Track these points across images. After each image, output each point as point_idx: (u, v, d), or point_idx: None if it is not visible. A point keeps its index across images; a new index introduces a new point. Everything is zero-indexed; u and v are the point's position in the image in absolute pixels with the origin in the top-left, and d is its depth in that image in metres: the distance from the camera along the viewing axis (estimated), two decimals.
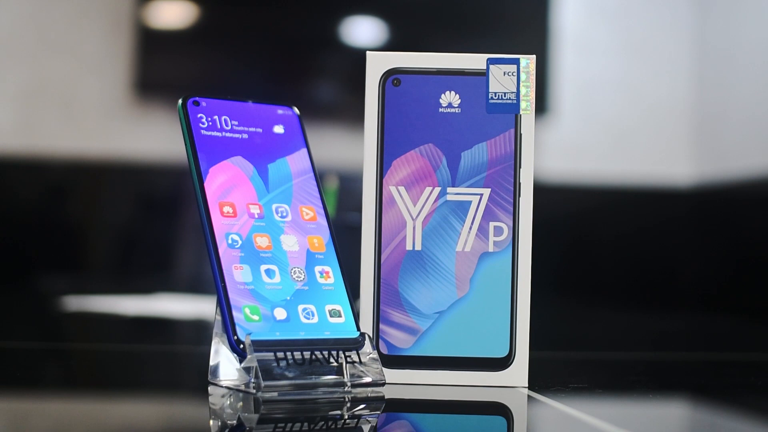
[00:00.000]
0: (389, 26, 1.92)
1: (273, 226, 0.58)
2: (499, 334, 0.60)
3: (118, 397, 0.59)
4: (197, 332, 1.02)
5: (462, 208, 0.60)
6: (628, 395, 0.63)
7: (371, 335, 0.59)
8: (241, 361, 0.54)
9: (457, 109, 0.61)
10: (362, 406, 0.54)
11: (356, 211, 0.63)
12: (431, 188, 0.61)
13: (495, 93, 0.61)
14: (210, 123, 0.59)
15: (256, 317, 0.54)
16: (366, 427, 0.50)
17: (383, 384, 0.56)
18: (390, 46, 1.88)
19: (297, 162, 0.61)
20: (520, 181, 0.60)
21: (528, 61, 0.61)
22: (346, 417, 0.51)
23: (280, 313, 0.55)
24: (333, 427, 0.49)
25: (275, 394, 0.52)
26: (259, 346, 0.53)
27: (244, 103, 0.61)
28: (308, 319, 0.56)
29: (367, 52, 0.62)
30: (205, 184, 0.57)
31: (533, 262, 0.60)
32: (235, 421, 0.50)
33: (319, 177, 0.62)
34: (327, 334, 0.55)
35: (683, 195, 2.01)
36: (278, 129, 0.61)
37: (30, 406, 0.54)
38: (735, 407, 0.60)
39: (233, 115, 0.60)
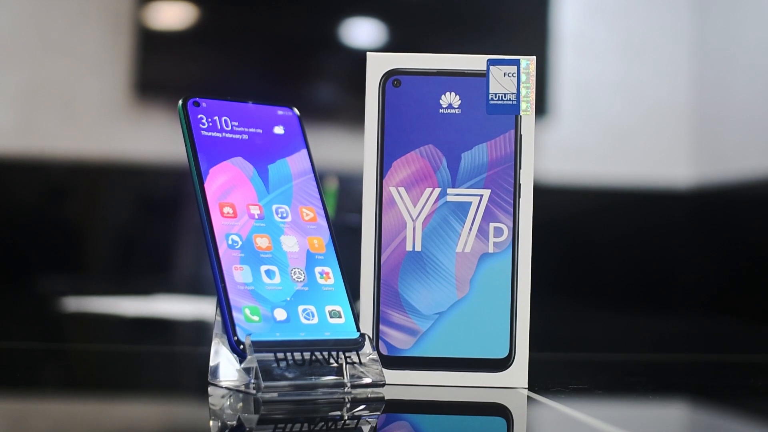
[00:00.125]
0: (389, 27, 1.92)
1: (273, 226, 0.58)
2: (498, 335, 0.60)
3: (118, 397, 0.59)
4: (197, 333, 1.02)
5: (462, 209, 0.60)
6: (628, 396, 0.63)
7: (371, 336, 0.59)
8: (241, 362, 0.54)
9: (457, 110, 0.61)
10: (362, 406, 0.54)
11: (356, 212, 0.63)
12: (431, 189, 0.61)
13: (495, 94, 0.61)
14: (210, 124, 0.59)
15: (256, 318, 0.54)
16: (366, 428, 0.50)
17: (383, 385, 0.56)
18: (390, 47, 1.88)
19: (297, 163, 0.61)
20: (520, 182, 0.60)
21: (528, 62, 0.61)
22: (346, 418, 0.51)
23: (280, 314, 0.55)
24: (333, 427, 0.49)
25: (275, 394, 0.52)
26: (259, 346, 0.53)
27: (245, 104, 0.61)
28: (308, 319, 0.56)
29: (368, 53, 0.62)
30: (206, 185, 0.57)
31: (533, 263, 0.60)
32: (235, 422, 0.50)
33: (319, 178, 0.62)
34: (327, 335, 0.55)
35: (683, 196, 2.01)
36: (278, 130, 0.61)
37: (30, 407, 0.54)
38: (735, 408, 0.60)
39: (233, 115, 0.60)
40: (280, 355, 0.53)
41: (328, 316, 0.57)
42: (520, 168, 0.61)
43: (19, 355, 0.73)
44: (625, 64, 2.03)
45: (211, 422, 0.51)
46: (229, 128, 0.59)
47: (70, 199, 1.85)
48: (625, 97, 2.02)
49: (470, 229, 0.60)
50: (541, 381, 0.62)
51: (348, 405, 0.53)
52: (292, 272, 0.57)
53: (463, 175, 0.61)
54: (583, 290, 1.97)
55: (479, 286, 0.60)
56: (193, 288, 1.63)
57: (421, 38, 1.93)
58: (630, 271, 2.00)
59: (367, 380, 0.55)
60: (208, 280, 0.59)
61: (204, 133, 0.58)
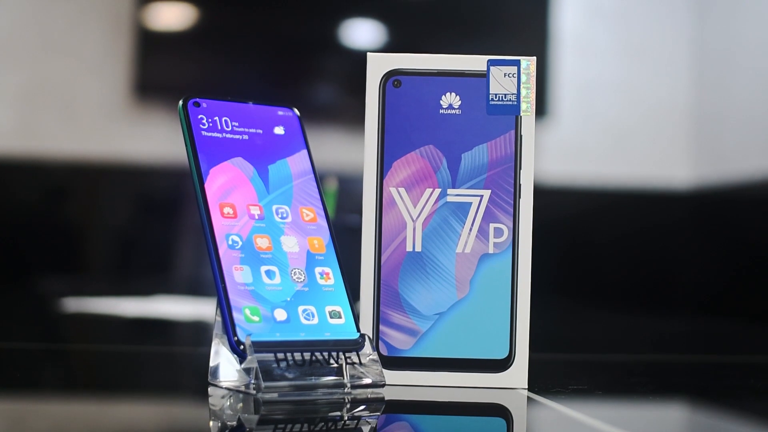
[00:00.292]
0: (389, 28, 1.92)
1: (273, 227, 0.58)
2: (498, 335, 0.60)
3: (118, 398, 0.59)
4: (196, 334, 1.02)
5: (462, 209, 0.60)
6: (628, 397, 0.63)
7: (371, 336, 0.59)
8: (241, 362, 0.54)
9: (457, 110, 0.61)
10: (362, 407, 0.54)
11: (356, 213, 0.63)
12: (431, 189, 0.61)
13: (495, 94, 0.61)
14: (210, 124, 0.59)
15: (256, 318, 0.54)
16: (366, 428, 0.50)
17: (383, 385, 0.56)
18: (390, 47, 1.88)
19: (297, 163, 0.61)
20: (521, 182, 0.60)
21: (529, 63, 0.61)
22: (346, 418, 0.51)
23: (281, 314, 0.55)
24: (333, 428, 0.49)
25: (275, 395, 0.52)
26: (260, 347, 0.53)
27: (245, 105, 0.61)
28: (308, 320, 0.56)
29: (368, 54, 0.62)
30: (206, 185, 0.57)
31: (533, 264, 0.60)
32: (235, 422, 0.50)
33: (319, 178, 0.62)
34: (327, 335, 0.55)
35: (682, 197, 2.01)
36: (278, 130, 0.61)
37: (29, 408, 0.54)
38: (735, 409, 0.60)
39: (234, 116, 0.60)
40: (281, 356, 0.53)
41: (328, 317, 0.57)
42: (520, 168, 0.61)
43: (19, 355, 0.73)
44: (625, 64, 2.03)
45: (211, 423, 0.51)
46: (230, 128, 0.59)
47: (70, 200, 1.85)
48: (625, 98, 2.02)
49: (470, 229, 0.60)
50: (541, 381, 0.62)
51: (348, 405, 0.53)
52: (293, 273, 0.57)
53: (464, 175, 0.61)
54: (582, 291, 1.97)
55: (479, 287, 0.60)
56: (193, 288, 1.63)
57: (421, 39, 1.93)
58: (630, 272, 2.01)
59: (367, 381, 0.55)
60: (207, 280, 0.59)
61: (204, 133, 0.58)
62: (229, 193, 0.57)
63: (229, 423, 0.50)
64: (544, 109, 1.89)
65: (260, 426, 0.49)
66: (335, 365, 0.54)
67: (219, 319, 0.56)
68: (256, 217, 0.58)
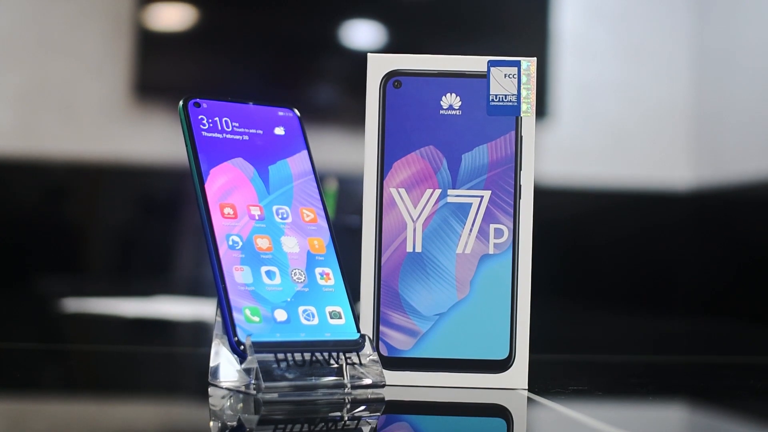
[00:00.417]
0: (389, 29, 1.92)
1: (273, 227, 0.58)
2: (499, 336, 0.60)
3: (118, 398, 0.59)
4: (197, 334, 1.02)
5: (462, 210, 0.60)
6: (628, 398, 0.63)
7: (371, 337, 0.59)
8: (241, 363, 0.54)
9: (457, 111, 0.61)
10: (362, 407, 0.54)
11: (356, 213, 0.63)
12: (432, 190, 0.61)
13: (496, 95, 0.61)
14: (211, 124, 0.59)
15: (256, 318, 0.54)
16: (366, 429, 0.50)
17: (383, 386, 0.56)
18: (390, 48, 1.88)
19: (297, 163, 0.61)
20: (521, 183, 0.60)
21: (529, 64, 0.61)
22: (346, 418, 0.51)
23: (281, 315, 0.55)
24: (333, 428, 0.49)
25: (275, 395, 0.52)
26: (260, 347, 0.53)
27: (245, 105, 0.61)
28: (308, 320, 0.56)
29: (368, 54, 0.62)
30: (206, 186, 0.57)
31: (533, 265, 0.60)
32: (235, 423, 0.50)
33: (319, 179, 0.62)
34: (327, 336, 0.55)
35: (682, 198, 2.01)
36: (279, 131, 0.61)
37: (29, 408, 0.54)
38: (735, 410, 0.60)
39: (234, 116, 0.60)
40: (281, 356, 0.53)
41: (328, 317, 0.57)
42: (520, 169, 0.61)
43: (19, 356, 0.73)
44: (625, 65, 2.03)
45: (211, 423, 0.51)
46: (230, 129, 0.59)
47: (70, 200, 1.85)
48: (625, 99, 2.02)
49: (470, 230, 0.60)
50: (541, 382, 0.62)
51: (348, 406, 0.53)
52: (293, 273, 0.57)
53: (464, 176, 0.61)
54: (583, 291, 1.97)
55: (479, 288, 0.60)
56: (193, 289, 1.63)
57: (421, 39, 1.93)
58: (630, 273, 2.01)
59: (368, 381, 0.55)
60: (207, 281, 0.59)
61: (204, 133, 0.58)
62: (230, 193, 0.57)
63: (229, 423, 0.50)
64: (545, 110, 1.89)
65: (260, 426, 0.49)
66: (335, 366, 0.54)
67: (219, 319, 0.56)
68: (257, 217, 0.58)
